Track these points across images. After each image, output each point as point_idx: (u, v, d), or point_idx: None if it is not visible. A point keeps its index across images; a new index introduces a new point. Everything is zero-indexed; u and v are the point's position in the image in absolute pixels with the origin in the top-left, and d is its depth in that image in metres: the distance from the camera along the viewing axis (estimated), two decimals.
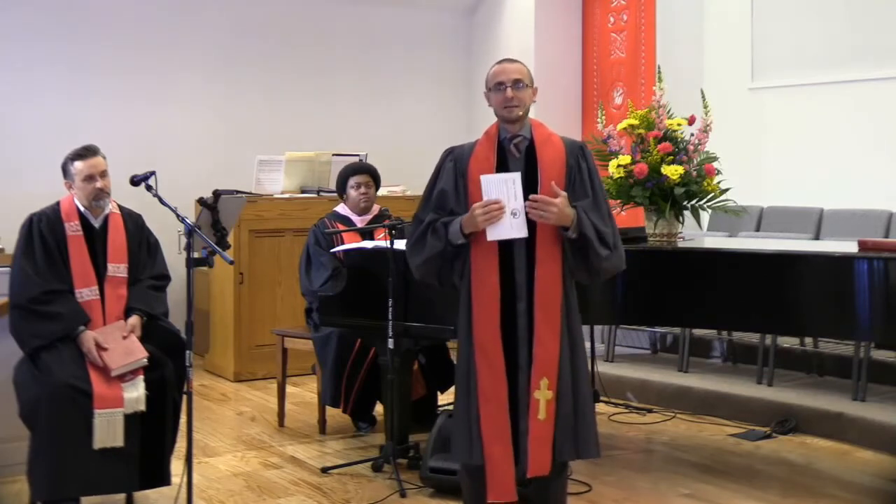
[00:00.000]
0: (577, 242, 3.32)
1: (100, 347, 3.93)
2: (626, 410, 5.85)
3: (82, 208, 4.14)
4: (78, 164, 4.09)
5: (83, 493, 3.95)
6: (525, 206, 3.27)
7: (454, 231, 3.35)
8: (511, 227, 3.29)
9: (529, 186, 3.35)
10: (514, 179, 3.29)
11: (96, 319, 4.04)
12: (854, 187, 6.67)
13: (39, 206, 4.19)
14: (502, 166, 3.40)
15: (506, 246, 3.36)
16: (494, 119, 3.48)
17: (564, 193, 3.29)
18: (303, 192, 7.13)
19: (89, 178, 4.08)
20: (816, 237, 6.53)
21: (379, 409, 5.37)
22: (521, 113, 3.40)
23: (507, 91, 3.37)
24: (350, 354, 5.18)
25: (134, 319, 4.09)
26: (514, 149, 3.42)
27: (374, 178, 5.52)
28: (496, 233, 3.31)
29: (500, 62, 3.48)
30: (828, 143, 6.95)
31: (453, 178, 3.45)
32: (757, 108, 7.41)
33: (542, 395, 3.32)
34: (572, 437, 3.36)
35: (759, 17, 7.42)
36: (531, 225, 3.33)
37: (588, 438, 3.40)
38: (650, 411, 5.81)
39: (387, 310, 4.49)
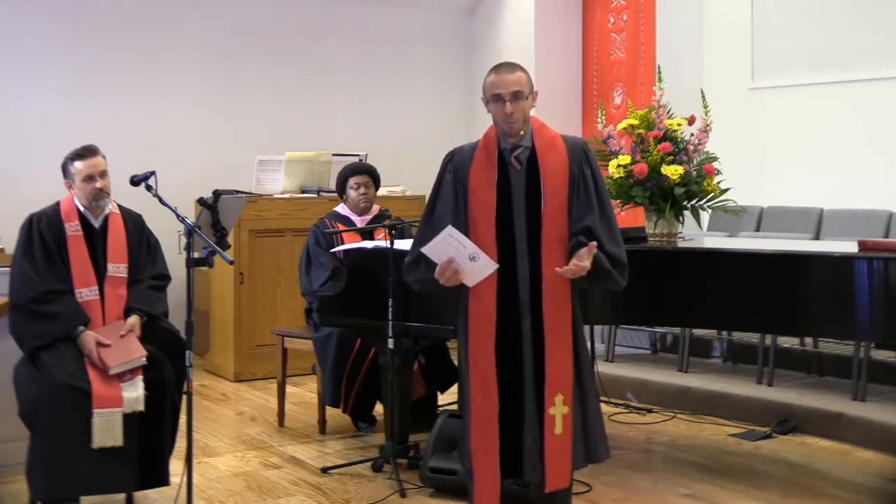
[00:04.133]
0: (593, 276, 3.28)
1: (100, 344, 3.93)
2: (626, 410, 5.85)
3: (82, 208, 4.14)
4: (78, 164, 4.09)
5: (82, 493, 3.95)
6: (564, 270, 3.19)
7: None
8: (479, 271, 3.24)
9: (531, 196, 3.31)
10: (449, 234, 3.21)
11: (96, 319, 4.04)
12: (854, 187, 6.67)
13: (39, 207, 4.19)
14: (503, 179, 3.32)
15: (508, 262, 3.30)
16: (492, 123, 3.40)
17: (595, 250, 3.21)
18: (303, 192, 7.13)
19: (89, 178, 4.08)
20: (816, 237, 6.52)
21: (379, 409, 5.36)
22: (521, 131, 3.32)
23: (507, 106, 3.26)
24: (350, 354, 5.18)
25: (133, 319, 4.08)
26: (515, 161, 3.34)
27: (374, 178, 5.52)
28: (470, 281, 3.27)
29: (497, 70, 3.33)
30: (828, 143, 6.95)
31: (453, 190, 3.38)
32: (757, 108, 7.40)
33: (558, 410, 3.29)
34: (583, 445, 3.36)
35: (759, 17, 7.42)
36: (535, 243, 3.28)
37: (598, 443, 3.41)
38: (650, 411, 5.81)
39: (387, 310, 4.49)
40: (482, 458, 3.32)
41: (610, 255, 3.28)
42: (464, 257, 3.21)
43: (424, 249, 3.25)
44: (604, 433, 3.46)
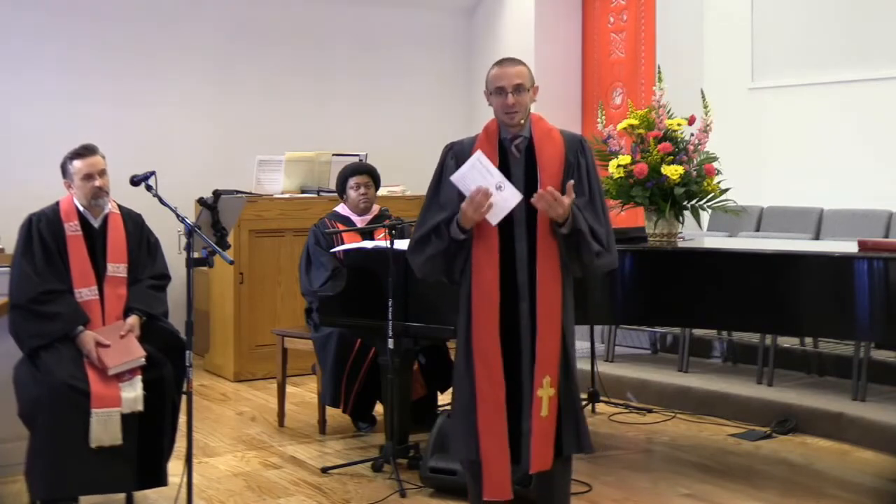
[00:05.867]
0: (570, 238, 3.33)
1: (100, 345, 3.93)
2: (626, 410, 5.84)
3: (82, 208, 4.14)
4: (77, 163, 4.09)
5: (82, 493, 3.95)
6: (533, 197, 3.26)
7: (455, 229, 3.35)
8: (505, 201, 3.28)
9: (529, 184, 3.37)
10: (478, 159, 3.28)
11: (96, 319, 4.04)
12: (854, 187, 6.66)
13: (39, 207, 4.19)
14: (503, 167, 3.39)
15: (507, 246, 3.37)
16: (494, 117, 3.47)
17: (573, 195, 3.28)
18: (303, 192, 7.13)
19: (88, 176, 4.08)
20: (816, 237, 6.52)
21: (379, 409, 5.36)
22: (521, 120, 3.41)
23: (509, 98, 3.36)
24: (350, 354, 5.18)
25: (132, 319, 4.08)
26: (515, 150, 3.43)
27: (374, 178, 5.53)
28: (495, 215, 3.30)
29: (500, 64, 3.45)
30: (828, 143, 6.94)
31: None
32: (757, 108, 7.40)
33: (545, 392, 3.34)
34: (574, 431, 3.40)
35: (759, 17, 7.42)
36: (532, 227, 3.35)
37: (585, 432, 3.45)
38: (650, 411, 5.81)
39: (387, 310, 4.49)
40: (491, 443, 3.35)
41: (588, 221, 3.33)
42: (491, 186, 3.26)
43: (452, 177, 3.30)
44: (586, 426, 3.49)
